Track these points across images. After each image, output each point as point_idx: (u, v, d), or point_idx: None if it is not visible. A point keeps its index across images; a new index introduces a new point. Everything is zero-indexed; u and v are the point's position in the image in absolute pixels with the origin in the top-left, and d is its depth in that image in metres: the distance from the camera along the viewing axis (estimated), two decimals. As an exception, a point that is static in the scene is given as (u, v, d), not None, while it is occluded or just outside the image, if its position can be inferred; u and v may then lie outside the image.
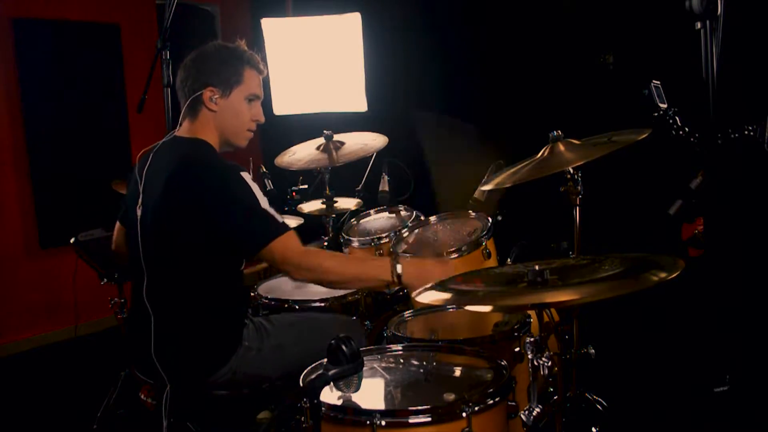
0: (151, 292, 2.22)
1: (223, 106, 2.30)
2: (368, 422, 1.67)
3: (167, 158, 2.27)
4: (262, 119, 2.39)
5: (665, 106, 2.64)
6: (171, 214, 2.21)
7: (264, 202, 2.18)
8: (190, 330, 2.25)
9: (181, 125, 2.37)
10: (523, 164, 2.51)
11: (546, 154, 2.45)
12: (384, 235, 3.08)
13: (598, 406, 2.51)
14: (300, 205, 3.59)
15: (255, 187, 2.19)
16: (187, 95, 2.31)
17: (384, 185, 3.31)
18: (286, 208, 3.61)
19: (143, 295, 2.22)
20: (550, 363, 1.81)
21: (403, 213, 3.34)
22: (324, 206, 3.51)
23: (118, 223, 2.56)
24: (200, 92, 2.27)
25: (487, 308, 2.08)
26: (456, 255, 2.75)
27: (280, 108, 4.52)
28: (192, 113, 2.32)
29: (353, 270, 2.29)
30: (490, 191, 2.89)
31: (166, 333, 2.22)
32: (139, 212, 2.24)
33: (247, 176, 2.19)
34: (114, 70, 5.06)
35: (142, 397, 2.36)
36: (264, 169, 3.52)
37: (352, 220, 3.39)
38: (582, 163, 2.30)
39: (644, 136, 2.31)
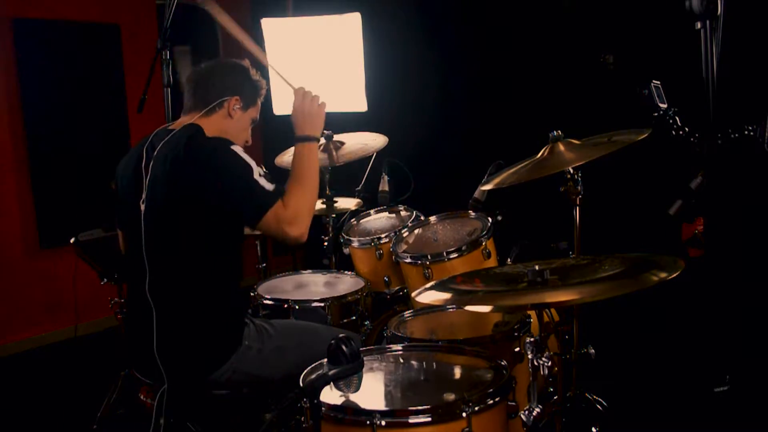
0: (153, 288, 2.23)
1: (239, 117, 2.44)
2: (368, 422, 1.67)
3: (170, 148, 2.29)
4: (250, 142, 2.55)
5: (665, 106, 2.64)
6: (175, 199, 2.24)
7: (256, 173, 2.25)
8: (192, 326, 2.26)
9: (183, 117, 2.42)
10: (523, 164, 2.51)
11: (546, 154, 2.45)
12: (384, 235, 3.08)
13: (598, 406, 2.51)
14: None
15: (247, 158, 2.26)
16: (212, 94, 2.39)
17: (384, 185, 3.31)
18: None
19: (145, 291, 2.23)
20: (550, 363, 1.81)
21: (403, 213, 3.34)
22: (324, 206, 3.51)
23: (118, 231, 2.56)
24: (229, 98, 2.40)
25: (487, 308, 2.08)
26: (456, 255, 2.76)
27: (280, 108, 4.51)
28: (207, 111, 2.39)
29: (314, 182, 2.41)
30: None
31: (169, 329, 2.23)
32: (142, 207, 2.26)
33: (237, 149, 2.27)
34: (114, 70, 5.06)
35: (142, 397, 2.36)
36: (264, 169, 3.52)
37: (352, 220, 3.39)
38: (582, 163, 2.29)
39: (644, 136, 2.30)
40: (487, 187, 2.57)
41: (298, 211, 2.26)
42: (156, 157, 2.28)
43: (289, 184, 2.35)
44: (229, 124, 2.42)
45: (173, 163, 2.24)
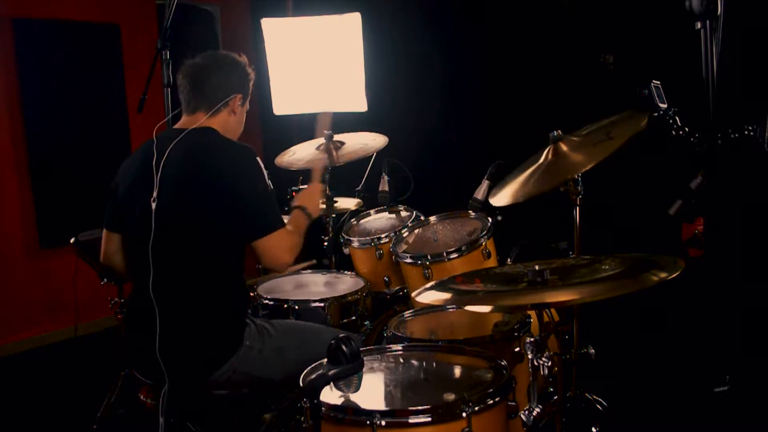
0: (157, 287, 2.23)
1: (239, 113, 2.50)
2: (368, 422, 1.67)
3: (186, 148, 2.30)
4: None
5: (665, 106, 2.64)
6: (190, 199, 2.26)
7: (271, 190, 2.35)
8: (194, 326, 2.26)
9: (189, 116, 2.42)
10: (529, 171, 2.48)
11: (550, 157, 2.44)
12: (384, 235, 3.08)
13: (598, 406, 2.51)
14: (300, 205, 3.58)
15: (266, 174, 2.35)
16: (216, 95, 2.40)
17: (384, 185, 3.31)
18: (287, 208, 3.60)
19: (149, 290, 2.22)
20: (550, 363, 1.81)
21: (403, 213, 3.34)
22: (324, 206, 3.51)
23: (105, 232, 2.53)
24: (233, 96, 2.43)
25: (487, 308, 2.08)
26: (456, 255, 2.76)
27: (280, 108, 4.51)
28: (213, 112, 2.40)
29: (300, 237, 2.47)
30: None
31: (171, 328, 2.23)
32: (153, 205, 2.26)
33: (260, 162, 2.36)
34: (114, 70, 5.06)
35: (142, 397, 2.36)
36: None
37: (352, 220, 3.39)
38: (591, 166, 2.27)
39: (643, 123, 2.27)
40: (500, 204, 2.53)
41: (294, 247, 2.39)
42: (169, 156, 2.28)
43: (291, 233, 2.46)
44: (232, 120, 2.47)
45: (194, 164, 2.27)
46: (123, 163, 2.46)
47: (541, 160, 2.48)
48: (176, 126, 2.42)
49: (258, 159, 2.34)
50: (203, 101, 2.40)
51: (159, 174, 2.27)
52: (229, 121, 2.45)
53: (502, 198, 2.48)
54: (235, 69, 2.46)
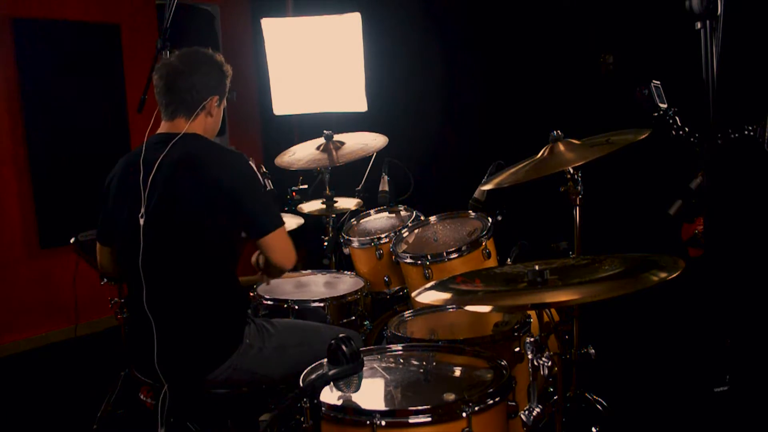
0: (151, 301, 2.23)
1: (216, 113, 2.46)
2: (368, 422, 1.67)
3: (179, 155, 2.28)
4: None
5: (665, 106, 2.64)
6: (187, 204, 2.24)
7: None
8: (192, 332, 2.26)
9: (169, 122, 2.39)
10: (523, 164, 2.51)
11: (546, 154, 2.45)
12: (384, 235, 3.08)
13: (598, 406, 2.51)
14: (300, 205, 3.59)
15: (259, 176, 2.42)
16: (194, 99, 2.36)
17: (384, 185, 3.31)
18: (286, 208, 3.61)
19: (143, 304, 2.23)
20: (550, 363, 1.81)
21: (403, 213, 3.34)
22: (324, 206, 3.51)
23: (98, 244, 2.54)
24: (209, 99, 2.39)
25: (487, 308, 2.08)
26: (456, 255, 2.76)
27: (280, 108, 4.52)
28: (193, 116, 2.37)
29: None
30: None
31: (169, 339, 2.23)
32: (141, 221, 2.25)
33: (253, 164, 2.41)
34: (114, 70, 5.06)
35: (142, 397, 2.36)
36: (264, 169, 3.52)
37: (352, 220, 3.39)
38: (582, 163, 2.29)
39: (643, 136, 2.30)
40: (487, 187, 2.58)
41: (294, 254, 2.42)
42: (157, 170, 2.26)
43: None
44: (209, 121, 2.44)
45: (190, 171, 2.25)
46: (110, 173, 2.44)
47: (538, 156, 2.49)
48: (161, 131, 2.39)
49: (251, 162, 2.38)
50: (181, 106, 2.36)
51: (147, 190, 2.25)
52: (207, 123, 2.42)
53: (489, 184, 2.51)
54: (211, 70, 2.41)
